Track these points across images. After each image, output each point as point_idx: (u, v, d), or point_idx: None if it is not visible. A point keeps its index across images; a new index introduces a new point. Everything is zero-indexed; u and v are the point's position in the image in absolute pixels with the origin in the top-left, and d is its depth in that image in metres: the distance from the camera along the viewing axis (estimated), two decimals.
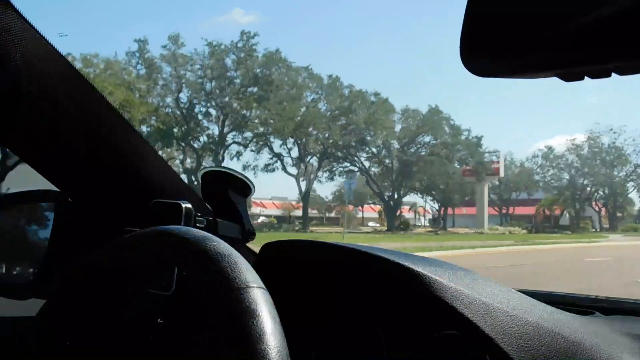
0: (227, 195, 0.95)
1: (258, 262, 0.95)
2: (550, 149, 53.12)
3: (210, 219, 0.92)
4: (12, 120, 0.84)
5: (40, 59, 0.80)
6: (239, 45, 34.25)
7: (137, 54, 33.01)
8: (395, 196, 40.47)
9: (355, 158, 38.99)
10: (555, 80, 0.45)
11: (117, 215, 0.95)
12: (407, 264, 0.78)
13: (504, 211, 54.11)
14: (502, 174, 45.40)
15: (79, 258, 0.74)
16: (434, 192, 44.52)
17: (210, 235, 0.64)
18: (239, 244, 1.01)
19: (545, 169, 53.04)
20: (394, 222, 39.58)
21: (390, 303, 0.84)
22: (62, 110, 0.83)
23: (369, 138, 37.88)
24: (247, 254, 1.01)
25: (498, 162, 44.33)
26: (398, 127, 40.01)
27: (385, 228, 41.38)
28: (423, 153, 40.33)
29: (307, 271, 0.91)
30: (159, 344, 0.88)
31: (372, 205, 51.44)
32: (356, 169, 38.67)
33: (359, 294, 0.86)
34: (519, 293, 0.84)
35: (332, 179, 40.28)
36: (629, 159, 49.67)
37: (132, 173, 0.92)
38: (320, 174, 38.79)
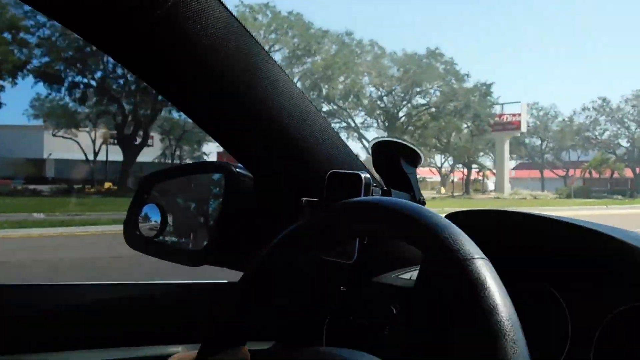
0: (398, 164, 0.94)
1: None
2: (605, 100, 47.08)
3: (385, 189, 0.93)
4: (195, 93, 0.87)
5: (227, 35, 0.82)
6: None
7: None
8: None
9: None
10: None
11: (293, 185, 0.97)
12: (604, 231, 0.75)
13: (552, 174, 48.54)
14: (524, 128, 40.14)
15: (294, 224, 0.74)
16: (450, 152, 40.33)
17: (422, 207, 0.63)
18: None
19: (599, 123, 47.35)
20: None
21: (570, 271, 0.81)
22: (241, 82, 0.85)
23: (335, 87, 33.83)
24: None
25: (519, 114, 39.01)
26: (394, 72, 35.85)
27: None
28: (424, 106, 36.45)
29: (491, 240, 0.89)
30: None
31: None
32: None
33: (541, 262, 0.84)
34: None
35: None
36: None
37: (307, 145, 0.93)
38: None
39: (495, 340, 0.51)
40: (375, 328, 0.97)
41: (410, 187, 0.96)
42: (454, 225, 0.61)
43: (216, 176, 1.10)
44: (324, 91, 34.20)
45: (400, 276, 1.03)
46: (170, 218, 1.11)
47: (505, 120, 39.82)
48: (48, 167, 32.57)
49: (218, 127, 0.93)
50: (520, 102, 41.16)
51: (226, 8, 0.81)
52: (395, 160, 0.95)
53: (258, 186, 1.01)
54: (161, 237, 1.11)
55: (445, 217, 0.95)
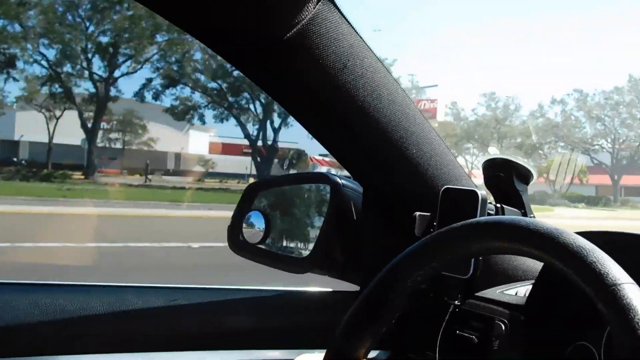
0: (511, 182, 0.95)
1: None
2: (582, 93, 39.40)
3: (498, 206, 0.93)
4: (324, 113, 0.90)
5: (358, 57, 0.85)
6: None
7: None
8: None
9: None
10: None
11: (404, 199, 0.99)
12: None
13: None
14: (440, 117, 34.10)
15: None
16: None
17: (561, 228, 0.64)
18: None
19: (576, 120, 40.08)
20: None
21: None
22: (368, 103, 0.87)
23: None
24: None
25: (434, 100, 33.45)
26: None
27: None
28: None
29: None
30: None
31: None
32: None
33: None
34: None
35: None
36: None
37: (421, 160, 0.95)
38: None
39: None
40: (483, 342, 0.97)
41: (522, 205, 0.96)
42: (599, 249, 0.61)
43: (321, 186, 1.13)
44: None
45: (505, 292, 1.03)
46: (274, 225, 1.15)
47: (423, 107, 33.18)
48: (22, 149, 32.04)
49: (336, 142, 0.95)
50: (437, 85, 36.62)
51: (352, 27, 0.84)
52: (508, 177, 0.95)
53: (367, 198, 1.03)
54: (265, 244, 1.15)
55: (580, 234, 0.96)
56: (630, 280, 0.58)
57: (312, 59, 0.81)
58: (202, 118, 29.97)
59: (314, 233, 1.13)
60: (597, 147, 39.96)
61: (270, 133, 29.62)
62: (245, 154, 31.53)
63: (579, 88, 43.41)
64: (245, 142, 30.22)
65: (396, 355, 1.05)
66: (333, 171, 1.09)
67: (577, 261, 0.60)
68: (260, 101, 28.37)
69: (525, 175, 0.96)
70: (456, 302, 0.93)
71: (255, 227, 1.17)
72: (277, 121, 29.19)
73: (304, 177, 1.21)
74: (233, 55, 0.84)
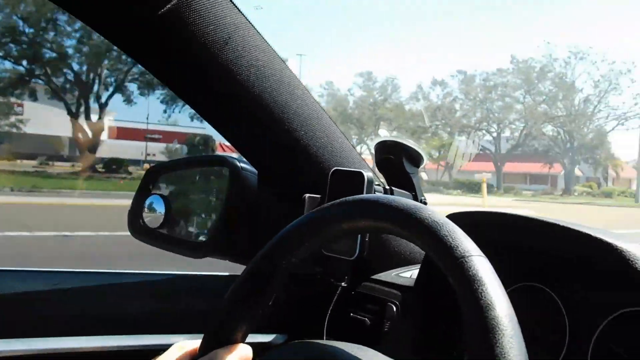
0: (401, 165, 0.96)
1: None
2: (467, 75, 38.29)
3: (387, 187, 0.94)
4: (207, 90, 0.88)
5: (240, 35, 0.83)
6: None
7: None
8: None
9: None
10: None
11: (296, 182, 0.98)
12: (606, 238, 0.76)
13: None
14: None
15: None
16: None
17: (421, 204, 0.65)
18: None
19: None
20: None
21: (569, 274, 0.83)
22: (252, 82, 0.86)
23: None
24: None
25: None
26: None
27: None
28: None
29: (491, 241, 0.91)
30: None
31: None
32: None
33: (539, 265, 0.85)
34: None
35: None
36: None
37: (311, 141, 0.94)
38: None
39: (492, 336, 0.52)
40: (376, 324, 0.98)
41: (412, 187, 0.97)
42: (452, 223, 0.62)
43: (221, 170, 1.11)
44: None
45: (401, 274, 1.05)
46: (174, 210, 1.13)
47: None
48: None
49: (224, 122, 0.94)
50: (304, 54, 35.39)
51: (234, 5, 0.83)
52: (398, 160, 0.96)
53: (261, 182, 1.02)
54: (165, 228, 1.13)
55: (449, 216, 0.98)
56: (480, 253, 0.59)
57: (190, 35, 0.79)
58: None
59: (213, 217, 1.12)
60: (483, 132, 38.91)
61: (176, 117, 28.31)
62: (149, 139, 30.13)
63: (463, 69, 40.64)
64: (152, 127, 28.74)
65: (293, 339, 1.05)
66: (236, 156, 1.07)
67: (430, 236, 0.61)
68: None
69: (415, 158, 0.97)
70: (343, 284, 0.94)
71: (156, 211, 1.15)
72: (180, 105, 26.68)
73: (204, 161, 1.19)
74: (108, 31, 0.82)
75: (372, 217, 0.68)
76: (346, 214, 0.70)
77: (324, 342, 0.69)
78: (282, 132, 0.92)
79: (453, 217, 0.93)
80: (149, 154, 30.08)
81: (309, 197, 0.93)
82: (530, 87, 38.65)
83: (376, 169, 1.00)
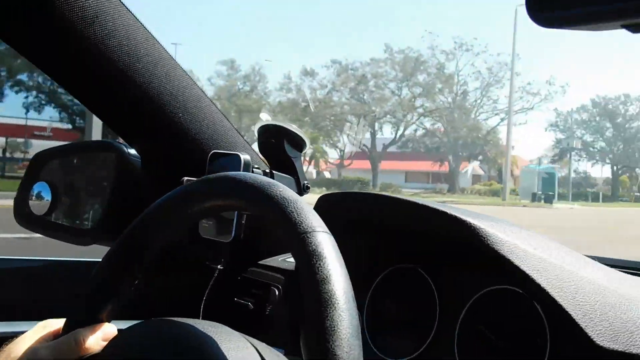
0: (282, 149, 0.97)
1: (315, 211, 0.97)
2: (341, 65, 34.46)
3: (267, 170, 0.95)
4: (79, 71, 0.87)
5: (109, 13, 0.82)
6: None
7: None
8: None
9: None
10: None
11: (176, 165, 0.98)
12: (465, 217, 0.79)
13: None
14: None
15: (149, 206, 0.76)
16: None
17: (275, 181, 0.66)
18: None
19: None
20: None
21: (439, 255, 0.85)
22: (125, 62, 0.85)
23: None
24: None
25: None
26: None
27: None
28: None
29: (364, 223, 0.93)
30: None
31: None
32: None
33: (411, 246, 0.88)
34: (574, 251, 0.84)
35: None
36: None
37: (191, 125, 0.94)
38: None
39: (324, 309, 0.53)
40: (259, 308, 0.99)
41: (294, 171, 0.98)
42: (302, 200, 0.62)
43: (108, 155, 1.09)
44: None
45: (287, 259, 1.06)
46: (61, 196, 1.10)
47: None
48: None
49: (100, 105, 0.93)
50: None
51: None
52: (279, 144, 0.97)
53: (145, 166, 1.01)
54: (52, 216, 1.10)
55: (321, 197, 0.99)
56: (324, 229, 0.59)
57: (55, 10, 0.77)
58: None
59: (100, 203, 1.09)
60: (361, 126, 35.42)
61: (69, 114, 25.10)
62: (37, 136, 26.74)
63: (338, 59, 36.83)
64: (40, 123, 25.82)
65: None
66: None
67: (276, 212, 0.61)
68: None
69: (298, 143, 0.98)
70: (219, 266, 0.94)
71: (44, 198, 1.12)
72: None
73: (91, 146, 1.17)
74: None
75: (224, 195, 0.68)
76: (200, 193, 0.70)
77: (181, 319, 0.69)
78: (159, 115, 0.91)
79: (327, 198, 0.95)
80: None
81: (187, 180, 0.92)
82: (405, 78, 36.09)
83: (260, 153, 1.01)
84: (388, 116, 36.59)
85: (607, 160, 43.63)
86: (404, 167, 40.51)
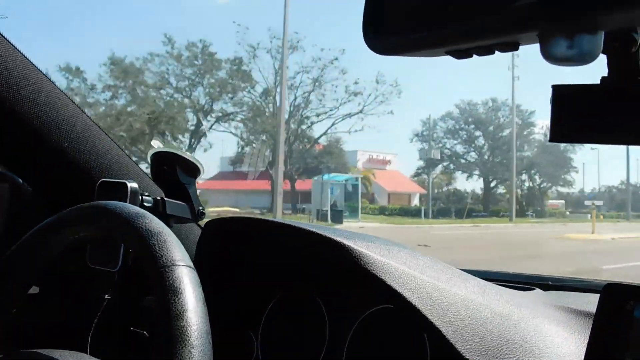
0: (176, 176, 0.97)
1: (203, 239, 0.98)
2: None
3: (158, 198, 0.94)
4: None
5: None
6: None
7: None
8: None
9: None
10: None
11: (66, 195, 0.96)
12: (337, 238, 0.80)
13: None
14: None
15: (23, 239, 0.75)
16: None
17: (144, 212, 0.65)
18: (190, 223, 1.03)
19: None
20: None
21: (327, 277, 0.87)
22: (4, 92, 0.84)
23: None
24: (197, 232, 1.04)
25: None
26: None
27: None
28: None
29: (250, 246, 0.93)
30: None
31: None
32: None
33: (299, 268, 0.89)
34: (454, 268, 0.87)
35: None
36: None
37: (78, 154, 0.93)
38: None
39: (175, 345, 0.52)
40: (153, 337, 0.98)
41: (188, 198, 0.98)
42: (167, 232, 0.62)
43: (1, 186, 1.07)
44: None
45: None
46: None
47: None
48: None
49: None
50: None
51: None
52: (172, 170, 0.97)
53: (36, 198, 1.00)
54: None
55: (208, 222, 1.00)
56: (187, 263, 0.59)
57: None
58: None
59: None
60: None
61: None
62: None
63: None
64: None
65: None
66: None
67: (140, 244, 0.60)
68: None
69: (191, 169, 0.99)
70: (107, 296, 0.93)
71: None
72: None
73: None
74: None
75: (93, 224, 0.68)
76: (71, 221, 0.70)
77: (45, 350, 0.68)
78: (43, 145, 0.90)
79: (214, 223, 0.95)
80: None
81: (74, 207, 0.91)
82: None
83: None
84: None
85: (477, 172, 39.80)
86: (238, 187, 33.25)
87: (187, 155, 0.98)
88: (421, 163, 39.70)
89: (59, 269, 0.82)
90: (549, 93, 0.53)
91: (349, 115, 31.14)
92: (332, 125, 32.13)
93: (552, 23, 0.40)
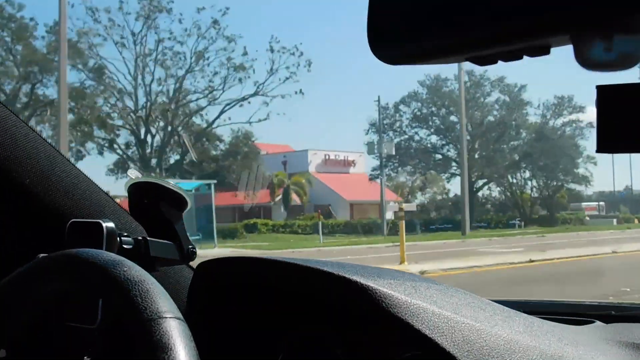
0: (159, 210, 0.84)
1: (195, 283, 0.84)
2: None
3: (140, 238, 0.81)
4: None
5: None
6: None
7: None
8: None
9: None
10: None
11: (32, 239, 0.83)
12: (354, 277, 0.68)
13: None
14: None
15: None
16: None
17: (121, 259, 0.56)
18: (179, 265, 0.90)
19: None
20: None
21: (345, 323, 0.74)
22: None
23: None
24: (189, 275, 0.90)
25: None
26: None
27: None
28: None
29: (251, 291, 0.81)
30: None
31: None
32: None
33: (310, 315, 0.76)
34: (494, 304, 0.75)
35: None
36: None
37: (42, 192, 0.80)
38: None
39: None
40: None
41: (175, 235, 0.85)
42: (150, 280, 0.53)
43: None
44: None
45: None
46: None
47: None
48: None
49: None
50: None
51: None
52: (154, 204, 0.84)
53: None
54: None
55: (201, 264, 0.86)
56: (175, 314, 0.51)
57: None
58: None
59: None
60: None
61: None
62: None
63: None
64: None
65: None
66: None
67: (120, 295, 0.52)
68: None
69: (177, 201, 0.86)
70: (85, 357, 0.79)
71: None
72: None
73: None
74: None
75: (64, 277, 0.59)
76: (39, 274, 0.60)
77: None
78: (1, 183, 0.77)
79: (208, 264, 0.83)
80: None
81: (42, 257, 0.77)
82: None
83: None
84: None
85: (455, 170, 29.47)
86: None
87: (171, 184, 0.85)
88: (379, 162, 30.22)
89: (29, 328, 0.70)
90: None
91: (244, 99, 24.27)
92: (221, 113, 25.24)
93: (587, 24, 0.33)
